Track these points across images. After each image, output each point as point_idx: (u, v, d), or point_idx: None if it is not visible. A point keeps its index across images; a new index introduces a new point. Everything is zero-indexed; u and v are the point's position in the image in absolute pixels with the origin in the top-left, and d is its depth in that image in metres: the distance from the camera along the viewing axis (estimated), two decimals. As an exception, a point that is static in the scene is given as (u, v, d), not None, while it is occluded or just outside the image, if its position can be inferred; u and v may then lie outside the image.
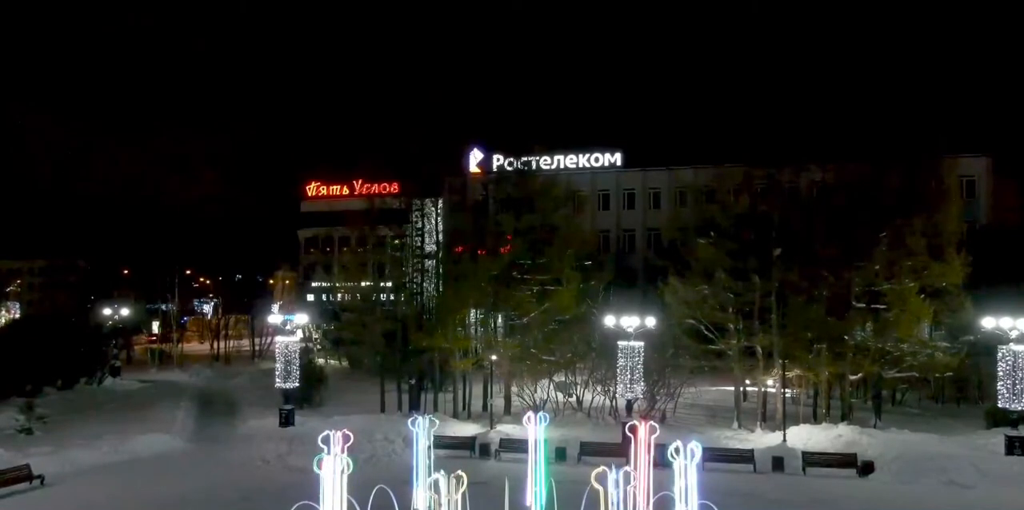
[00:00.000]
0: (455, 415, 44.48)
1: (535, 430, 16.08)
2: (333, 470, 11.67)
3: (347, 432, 13.39)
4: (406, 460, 33.75)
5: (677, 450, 12.98)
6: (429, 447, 15.57)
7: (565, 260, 44.46)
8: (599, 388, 45.68)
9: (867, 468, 31.29)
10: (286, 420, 38.57)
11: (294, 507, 14.26)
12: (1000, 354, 33.30)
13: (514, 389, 46.19)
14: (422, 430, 15.31)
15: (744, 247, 40.92)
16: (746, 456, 32.70)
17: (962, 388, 46.62)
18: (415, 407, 45.74)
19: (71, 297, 73.34)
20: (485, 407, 44.50)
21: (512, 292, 44.26)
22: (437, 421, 15.94)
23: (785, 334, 39.90)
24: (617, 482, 13.04)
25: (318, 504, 13.37)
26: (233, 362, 75.36)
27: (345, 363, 65.06)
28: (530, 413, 16.11)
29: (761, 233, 40.98)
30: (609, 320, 38.18)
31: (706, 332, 42.39)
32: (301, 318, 41.11)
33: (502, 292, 44.09)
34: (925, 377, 41.83)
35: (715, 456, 32.66)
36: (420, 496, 15.31)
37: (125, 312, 63.94)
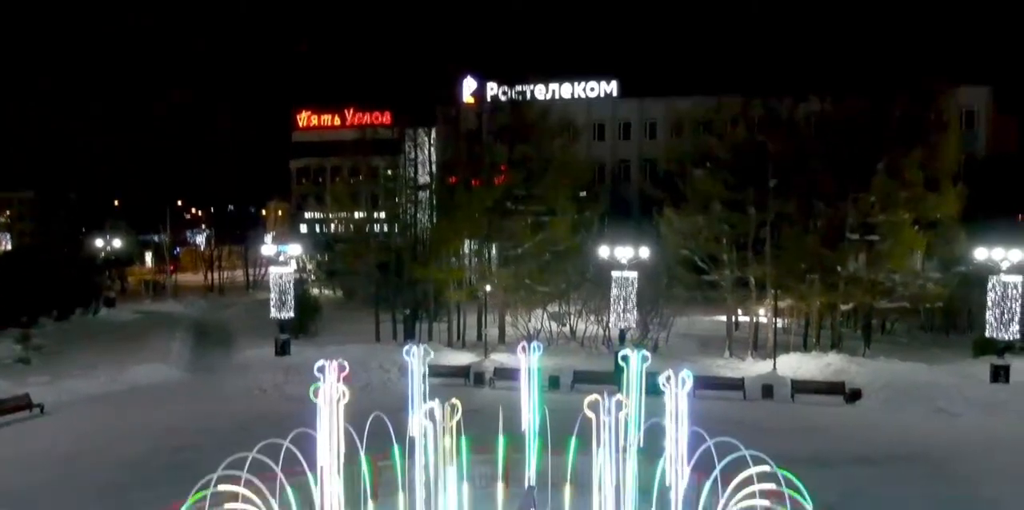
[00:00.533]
0: (450, 344, 44.95)
1: (529, 359, 16.11)
2: (329, 399, 11.67)
3: (342, 362, 13.36)
4: (401, 388, 34.04)
5: (668, 379, 13.01)
6: (424, 375, 15.59)
7: (560, 191, 44.19)
8: (592, 318, 46.08)
9: (855, 395, 31.85)
10: (282, 349, 38.87)
11: (291, 434, 14.39)
12: (990, 284, 33.50)
13: (508, 319, 46.56)
14: (417, 359, 15.30)
15: (740, 178, 40.62)
16: (736, 384, 33.22)
17: (951, 318, 47.20)
18: (410, 337, 46.16)
19: (62, 228, 72.91)
20: (479, 337, 44.89)
21: (506, 223, 44.08)
22: (432, 351, 15.89)
23: (778, 265, 40.04)
24: (609, 410, 13.12)
25: (315, 432, 13.47)
26: (227, 293, 75.61)
27: (339, 293, 65.30)
28: (524, 342, 16.09)
29: (758, 164, 40.62)
30: (603, 251, 38.16)
31: (700, 263, 42.52)
32: (294, 249, 40.88)
33: (496, 223, 43.91)
34: (916, 308, 42.20)
35: (706, 384, 33.12)
36: (416, 423, 15.46)
37: (117, 243, 63.66)
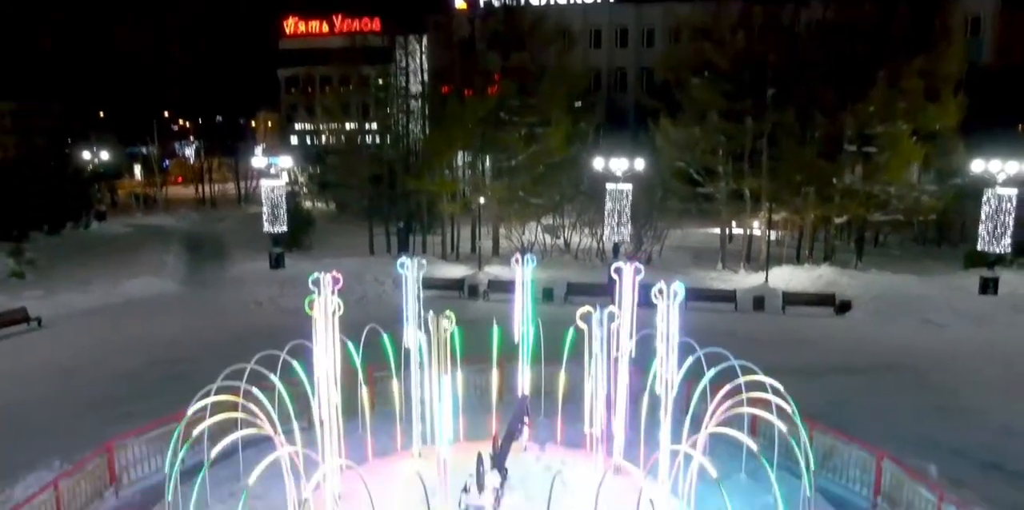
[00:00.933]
0: (443, 257, 45.03)
1: (522, 271, 16.04)
2: (325, 311, 11.62)
3: (336, 274, 13.27)
4: (396, 301, 34.37)
5: (661, 291, 12.95)
6: (418, 287, 15.55)
7: (555, 101, 43.24)
8: (586, 230, 46.05)
9: (844, 307, 32.19)
10: (276, 262, 38.85)
11: (287, 346, 14.45)
12: (985, 197, 33.31)
13: (502, 231, 46.49)
14: (411, 271, 15.22)
15: (739, 88, 39.73)
16: (728, 296, 33.50)
17: (944, 231, 47.33)
18: (404, 249, 46.19)
19: (47, 140, 71.32)
20: (473, 249, 44.88)
21: (500, 134, 43.32)
22: (425, 264, 15.80)
23: (774, 177, 39.71)
24: (601, 321, 13.12)
25: (312, 344, 13.49)
26: (219, 206, 75.22)
27: (332, 206, 64.93)
28: (518, 254, 15.99)
29: (757, 74, 39.66)
30: (598, 163, 37.67)
31: (695, 175, 42.14)
32: (285, 161, 40.22)
33: (490, 134, 43.13)
34: (910, 220, 42.20)
35: (698, 296, 33.36)
36: (410, 334, 15.54)
37: (105, 156, 62.63)
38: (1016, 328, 29.55)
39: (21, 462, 15.81)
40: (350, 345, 14.73)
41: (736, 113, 39.93)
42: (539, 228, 47.61)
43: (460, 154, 45.64)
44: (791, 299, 32.86)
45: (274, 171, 38.91)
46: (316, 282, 13.00)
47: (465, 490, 12.57)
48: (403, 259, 15.33)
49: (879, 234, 47.23)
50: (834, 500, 14.70)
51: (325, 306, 12.80)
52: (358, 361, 15.46)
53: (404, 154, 45.80)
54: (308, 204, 71.88)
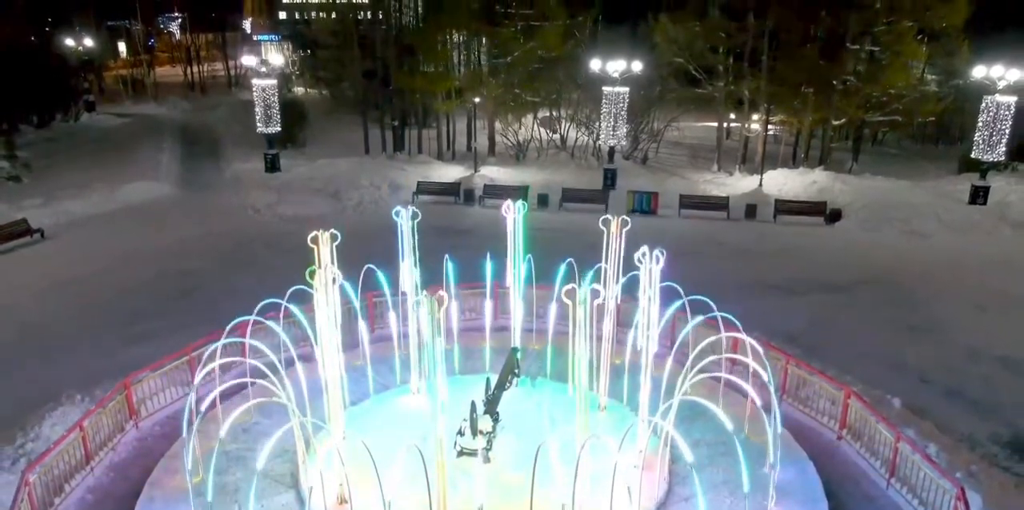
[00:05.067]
0: (439, 156, 44.98)
1: (513, 218, 16.27)
2: (325, 282, 12.13)
3: (335, 231, 13.71)
4: (392, 205, 34.77)
5: (644, 255, 13.22)
6: (413, 232, 15.97)
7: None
8: (583, 129, 45.74)
9: (835, 216, 32.71)
10: (271, 165, 38.81)
11: (288, 293, 14.77)
12: (983, 105, 33.03)
13: (498, 127, 46.08)
14: (405, 221, 15.61)
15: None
16: (721, 204, 33.89)
17: (943, 128, 47.08)
18: (399, 148, 46.04)
19: (22, 25, 68.42)
20: (469, 147, 44.70)
21: (496, 29, 42.10)
22: (419, 212, 16.11)
23: (774, 78, 39.10)
24: (584, 300, 12.93)
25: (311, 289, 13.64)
26: (209, 91, 73.72)
27: (326, 93, 63.72)
28: (508, 202, 16.23)
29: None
30: (595, 64, 36.91)
31: (695, 73, 41.45)
32: (276, 59, 39.27)
33: (485, 30, 41.94)
34: (908, 121, 41.93)
35: (692, 204, 33.99)
36: (406, 275, 16.15)
37: (89, 43, 60.77)
38: (997, 239, 30.36)
39: (47, 387, 16.76)
40: (349, 290, 15.17)
41: (737, 11, 38.76)
42: (535, 123, 47.20)
43: (455, 52, 44.50)
44: (783, 208, 33.27)
45: (265, 71, 38.09)
46: (314, 240, 13.43)
47: (460, 433, 13.60)
48: (397, 208, 15.63)
49: (877, 133, 47.01)
50: (803, 430, 15.76)
51: (325, 278, 12.83)
52: (357, 304, 16.12)
53: (397, 52, 44.31)
54: (301, 90, 70.70)
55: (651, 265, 12.85)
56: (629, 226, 15.10)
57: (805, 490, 13.23)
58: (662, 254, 12.92)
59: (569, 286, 11.98)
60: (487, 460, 12.96)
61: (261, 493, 12.55)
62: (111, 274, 25.62)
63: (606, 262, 15.53)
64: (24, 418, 15.49)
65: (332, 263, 13.52)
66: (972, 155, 34.19)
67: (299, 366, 13.87)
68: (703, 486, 10.72)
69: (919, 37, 37.54)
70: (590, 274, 13.40)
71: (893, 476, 13.76)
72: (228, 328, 13.56)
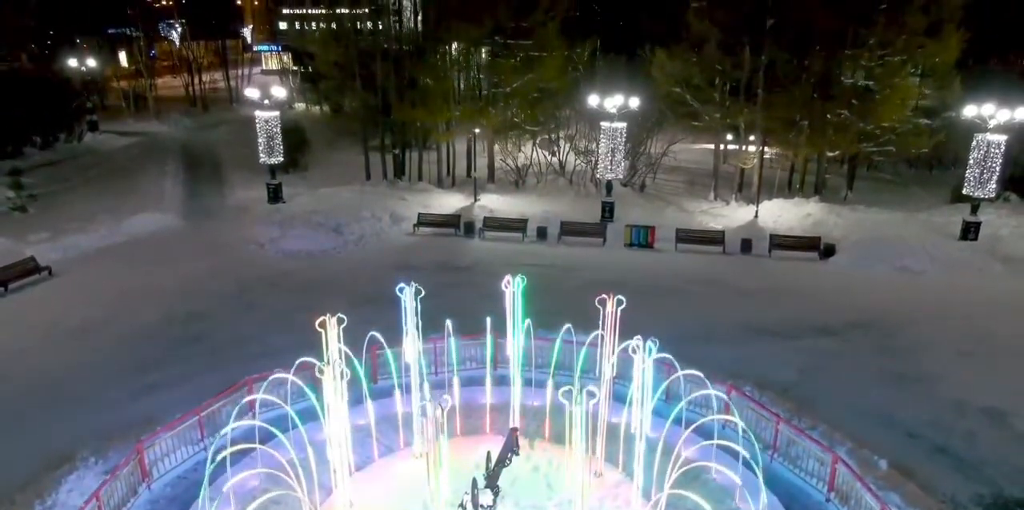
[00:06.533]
0: (439, 183, 45.50)
1: (512, 293, 16.76)
2: (334, 375, 12.71)
3: (342, 315, 14.27)
4: (393, 238, 35.55)
5: (636, 349, 13.66)
6: (416, 315, 16.49)
7: (550, 26, 42.30)
8: (581, 158, 46.32)
9: (829, 252, 33.27)
10: (274, 195, 39.33)
11: (295, 364, 15.31)
12: (974, 143, 33.65)
13: (497, 149, 46.54)
14: (409, 297, 16.16)
15: (737, 17, 38.97)
16: (717, 238, 34.45)
17: (937, 155, 47.56)
18: (400, 173, 46.59)
19: (23, 38, 68.64)
20: (469, 173, 45.19)
21: (496, 60, 42.71)
22: (423, 290, 16.60)
23: (769, 112, 39.70)
24: (580, 400, 13.25)
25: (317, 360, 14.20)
26: (211, 107, 74.21)
27: (327, 108, 64.16)
28: (508, 277, 16.74)
29: (757, 2, 38.79)
30: (593, 99, 37.47)
31: (691, 102, 42.04)
32: (279, 91, 39.64)
33: (487, 61, 42.58)
34: (901, 153, 42.47)
35: (688, 238, 34.57)
36: (409, 351, 16.72)
37: (92, 63, 61.27)
38: (988, 276, 30.91)
39: (60, 446, 17.29)
40: (356, 363, 15.76)
41: (733, 46, 39.37)
42: (534, 147, 47.68)
43: (455, 80, 45.01)
44: (778, 242, 33.82)
45: (268, 103, 38.55)
46: (322, 324, 14.01)
47: (461, 506, 14.16)
48: (401, 285, 16.19)
49: (872, 159, 47.58)
50: (792, 488, 16.41)
51: (334, 372, 13.43)
52: (364, 383, 16.72)
53: (397, 82, 44.42)
54: (301, 106, 71.26)
55: (644, 355, 13.35)
56: (624, 305, 15.60)
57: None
58: (655, 343, 13.43)
59: (565, 388, 12.47)
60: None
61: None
62: (118, 317, 25.96)
63: (602, 335, 16.10)
64: (40, 483, 16.03)
65: (339, 341, 14.13)
66: (964, 191, 34.73)
67: (303, 431, 14.47)
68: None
69: (913, 71, 38.12)
70: (584, 393, 13.59)
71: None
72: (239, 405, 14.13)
